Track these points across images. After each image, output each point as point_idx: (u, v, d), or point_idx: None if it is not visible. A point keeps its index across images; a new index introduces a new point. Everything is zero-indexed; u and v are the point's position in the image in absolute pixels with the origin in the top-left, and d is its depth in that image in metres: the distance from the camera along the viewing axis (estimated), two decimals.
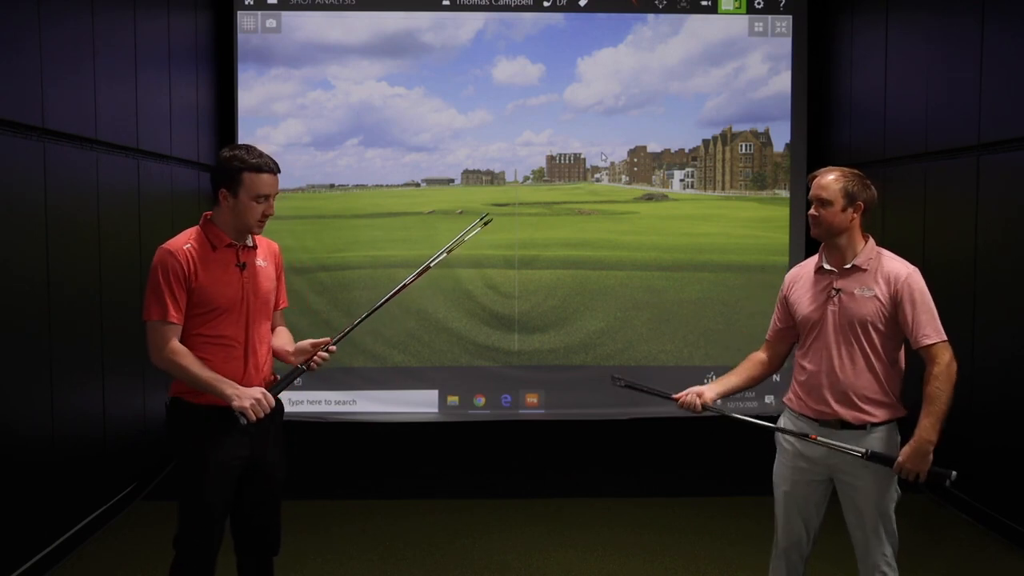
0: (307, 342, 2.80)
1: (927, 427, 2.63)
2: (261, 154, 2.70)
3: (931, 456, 2.64)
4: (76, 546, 4.08)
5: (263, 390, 2.62)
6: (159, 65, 5.02)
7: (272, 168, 2.70)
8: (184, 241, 2.65)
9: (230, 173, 2.65)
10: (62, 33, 3.87)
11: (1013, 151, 4.13)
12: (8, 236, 3.50)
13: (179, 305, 2.59)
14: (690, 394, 2.92)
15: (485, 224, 3.04)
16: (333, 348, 2.78)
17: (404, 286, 2.90)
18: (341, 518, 4.60)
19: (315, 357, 2.76)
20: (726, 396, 2.99)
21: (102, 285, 4.29)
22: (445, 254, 2.93)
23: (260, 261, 2.79)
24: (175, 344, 2.59)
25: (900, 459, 2.65)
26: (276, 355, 2.87)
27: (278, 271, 2.88)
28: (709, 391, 2.92)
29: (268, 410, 2.60)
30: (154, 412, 4.96)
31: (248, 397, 2.56)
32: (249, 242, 2.76)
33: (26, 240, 3.64)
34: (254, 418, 2.56)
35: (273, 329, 2.90)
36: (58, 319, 3.85)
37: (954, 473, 2.62)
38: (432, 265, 2.90)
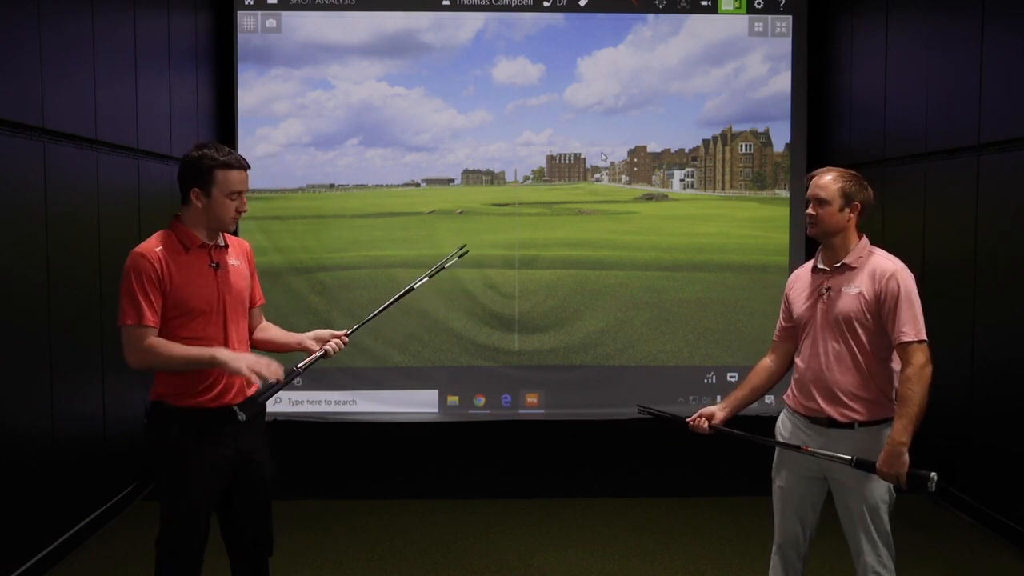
0: (326, 331, 2.89)
1: (899, 429, 2.63)
2: (230, 151, 2.69)
3: (906, 458, 2.62)
4: (76, 546, 4.08)
5: (256, 356, 2.62)
6: (159, 65, 5.02)
7: (243, 164, 2.68)
8: (155, 244, 2.62)
9: (201, 172, 2.62)
10: (62, 33, 3.87)
11: (1013, 151, 4.13)
12: (8, 236, 3.50)
13: (155, 308, 2.57)
14: (701, 417, 3.00)
15: (462, 256, 3.25)
16: (347, 339, 2.89)
17: (390, 304, 3.04)
18: (341, 518, 4.61)
19: (331, 343, 2.84)
20: (737, 412, 3.02)
21: (102, 285, 4.29)
22: (426, 279, 3.12)
23: (233, 260, 2.77)
24: (150, 340, 2.56)
25: (877, 464, 2.66)
26: (285, 346, 2.88)
27: (251, 269, 2.87)
28: (720, 412, 3.00)
29: (269, 367, 2.57)
30: None
31: (241, 360, 2.56)
32: (220, 241, 2.75)
33: (26, 240, 3.64)
34: (257, 381, 2.56)
35: (253, 328, 2.90)
36: (58, 319, 3.85)
37: (934, 475, 2.60)
38: (415, 287, 3.08)
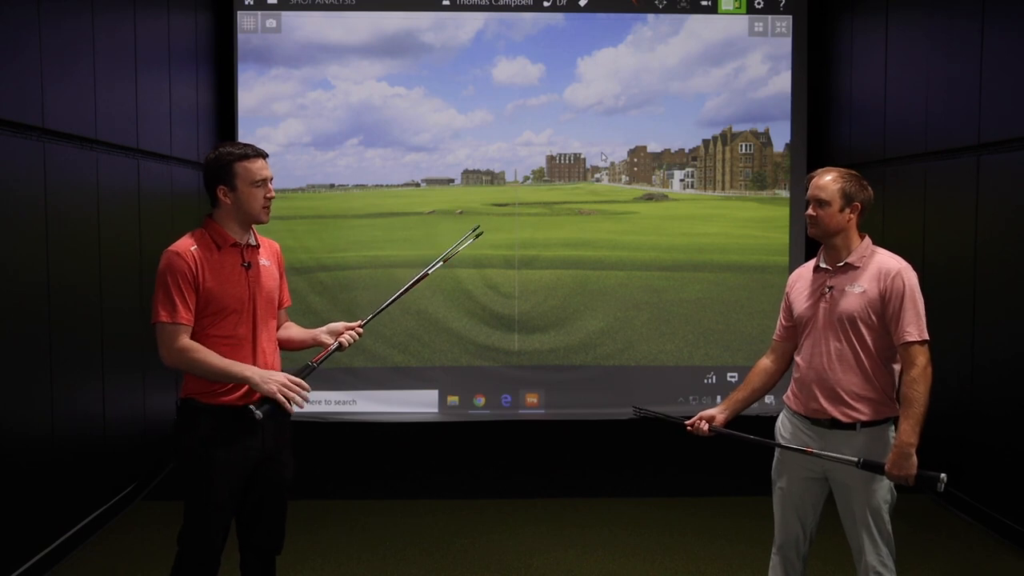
0: (340, 324, 2.90)
1: (906, 430, 2.64)
2: (246, 144, 2.75)
3: (914, 459, 2.64)
4: (76, 546, 4.08)
5: (288, 375, 2.64)
6: (159, 65, 5.02)
7: (260, 152, 2.74)
8: (189, 243, 2.67)
9: (223, 169, 2.68)
10: (62, 33, 3.87)
11: (1013, 151, 4.13)
12: (8, 236, 3.50)
13: (189, 306, 2.61)
14: (701, 419, 3.00)
15: (477, 236, 3.18)
16: (361, 330, 2.91)
17: (404, 291, 3.01)
18: (341, 518, 4.60)
19: (345, 335, 2.85)
20: (738, 414, 3.02)
21: (102, 285, 4.29)
22: (441, 262, 3.06)
23: (264, 260, 2.81)
24: (186, 341, 2.61)
25: (886, 466, 2.66)
26: (303, 343, 2.92)
27: (280, 270, 2.92)
28: (720, 414, 3.00)
29: (301, 393, 2.62)
30: (154, 412, 4.96)
31: (273, 381, 2.60)
32: (252, 240, 2.78)
33: (26, 240, 3.64)
34: (293, 407, 2.58)
35: (278, 328, 2.93)
36: (58, 319, 3.85)
37: (944, 476, 2.61)
38: (430, 272, 3.03)
